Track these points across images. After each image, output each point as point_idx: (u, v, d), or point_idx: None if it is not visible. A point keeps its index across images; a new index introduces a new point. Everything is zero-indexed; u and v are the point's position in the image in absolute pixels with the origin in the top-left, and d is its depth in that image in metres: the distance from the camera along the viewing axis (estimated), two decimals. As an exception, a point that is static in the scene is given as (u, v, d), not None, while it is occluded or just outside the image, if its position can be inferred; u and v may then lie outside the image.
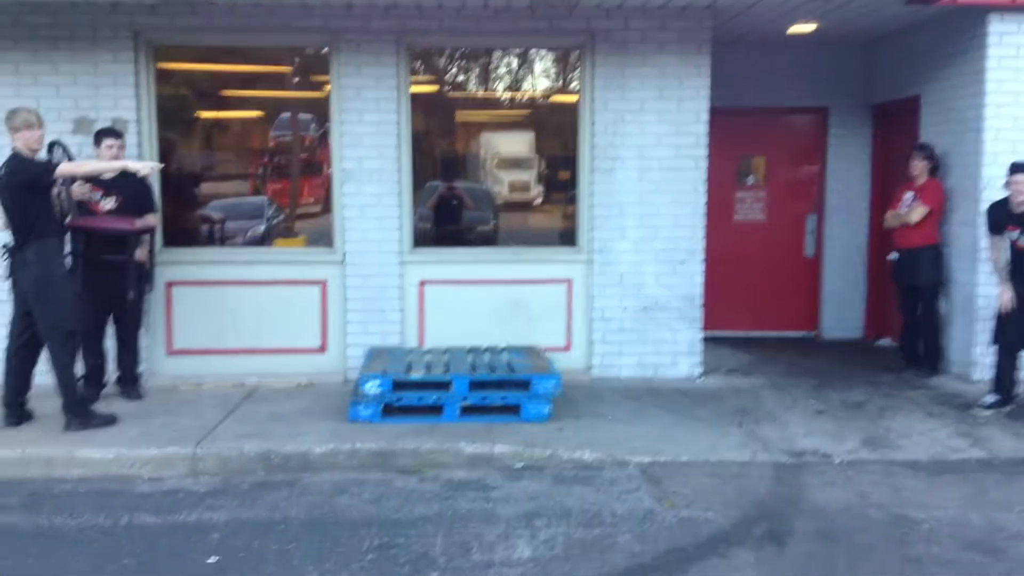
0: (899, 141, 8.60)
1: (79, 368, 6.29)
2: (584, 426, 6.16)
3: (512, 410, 6.18)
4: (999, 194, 6.70)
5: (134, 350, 6.85)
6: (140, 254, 6.66)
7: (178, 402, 6.72)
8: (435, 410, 6.13)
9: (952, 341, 7.60)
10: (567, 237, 7.67)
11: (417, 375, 6.18)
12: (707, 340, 8.68)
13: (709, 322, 9.12)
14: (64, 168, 5.73)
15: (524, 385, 6.19)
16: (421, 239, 7.79)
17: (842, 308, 9.44)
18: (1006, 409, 6.55)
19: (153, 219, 6.86)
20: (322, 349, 7.48)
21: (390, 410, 6.13)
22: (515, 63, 7.95)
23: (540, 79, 8.03)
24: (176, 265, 7.39)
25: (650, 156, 7.40)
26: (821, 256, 9.49)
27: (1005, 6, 6.97)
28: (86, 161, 6.34)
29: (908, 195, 7.67)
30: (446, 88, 8.07)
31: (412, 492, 5.13)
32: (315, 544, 4.37)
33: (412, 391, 6.16)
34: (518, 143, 9.83)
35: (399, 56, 7.23)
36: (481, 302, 7.53)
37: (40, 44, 7.00)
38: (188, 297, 7.40)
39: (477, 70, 8.04)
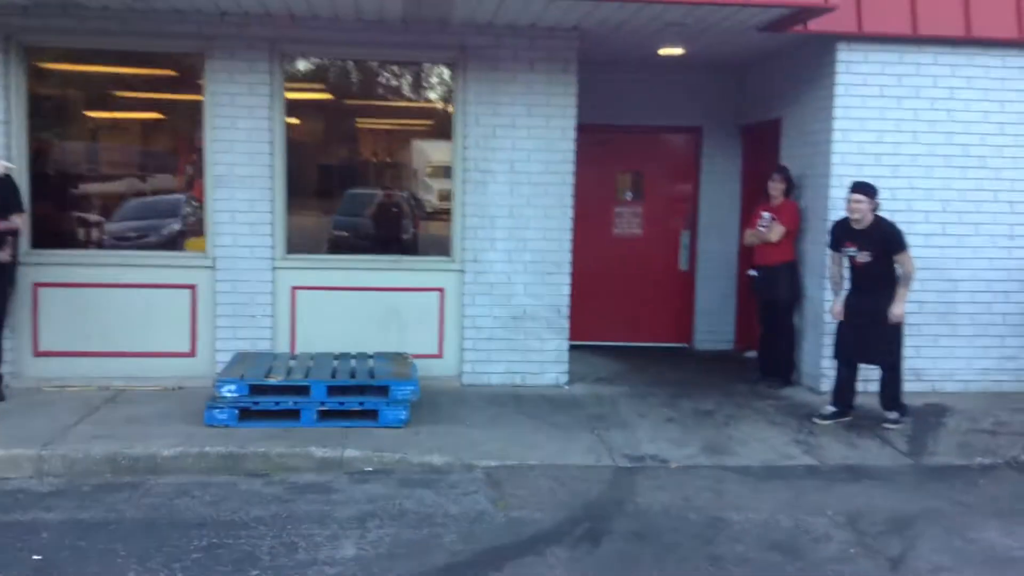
0: (766, 161, 8.99)
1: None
2: (441, 431, 6.33)
3: (370, 415, 6.32)
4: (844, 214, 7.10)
5: None
6: (5, 255, 6.61)
7: (38, 403, 6.70)
8: (292, 415, 6.23)
9: (804, 354, 8.00)
10: (442, 247, 7.84)
11: (275, 379, 6.27)
12: (583, 349, 9.05)
13: (587, 332, 9.49)
14: None
15: (383, 391, 6.34)
16: (343, 247, 7.96)
17: (713, 320, 9.81)
18: (845, 420, 6.93)
19: (18, 220, 6.81)
20: (192, 353, 7.51)
21: (248, 414, 6.21)
22: (402, 73, 8.11)
23: (427, 90, 8.21)
24: (45, 267, 7.35)
25: (521, 170, 7.63)
26: (694, 270, 9.85)
27: (852, 36, 7.39)
28: None
29: (766, 215, 8.05)
30: (333, 96, 8.18)
31: (254, 495, 5.23)
32: (143, 544, 4.44)
33: (270, 396, 6.25)
34: (445, 152, 9.95)
35: (272, 64, 7.32)
36: (355, 309, 7.66)
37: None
38: (56, 299, 7.37)
39: (363, 78, 8.18)
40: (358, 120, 8.51)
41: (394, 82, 8.25)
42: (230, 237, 7.42)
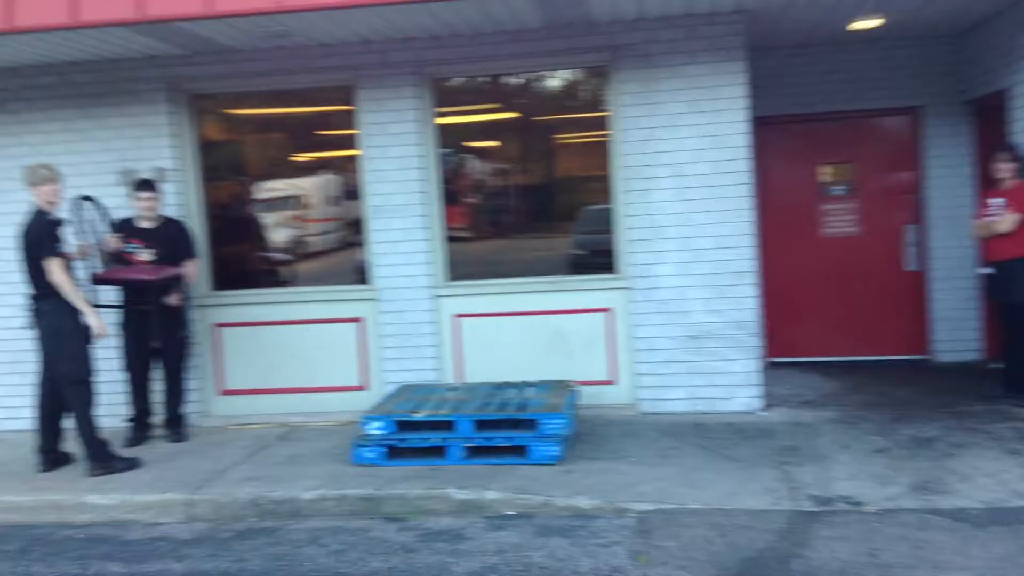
0: (1002, 139, 7.65)
1: (125, 411, 6.72)
2: (597, 468, 5.74)
3: (520, 451, 5.84)
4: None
5: (176, 392, 7.01)
6: (174, 299, 6.81)
7: (215, 443, 6.81)
8: (440, 452, 5.89)
9: (1054, 364, 6.62)
10: (606, 264, 7.24)
11: (421, 415, 5.96)
12: (794, 368, 8.13)
13: (798, 348, 8.54)
14: (53, 278, 5.88)
15: (531, 424, 5.85)
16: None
17: (954, 327, 8.46)
18: (1102, 444, 5.60)
19: (192, 266, 7.00)
20: (362, 387, 7.40)
21: (397, 452, 5.94)
22: (555, 82, 7.64)
23: (582, 98, 7.69)
24: (224, 307, 7.54)
25: (688, 173, 6.90)
26: (926, 270, 8.56)
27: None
28: (66, 284, 5.99)
29: (995, 201, 6.79)
30: (485, 114, 7.86)
31: (383, 542, 4.91)
32: (246, 600, 4.22)
33: (416, 432, 5.94)
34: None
35: (420, 88, 7.10)
36: (520, 335, 7.25)
37: (86, 100, 7.34)
38: (236, 338, 7.53)
39: (513, 93, 7.78)
40: (510, 137, 8.09)
41: (548, 93, 7.76)
42: (389, 268, 7.26)
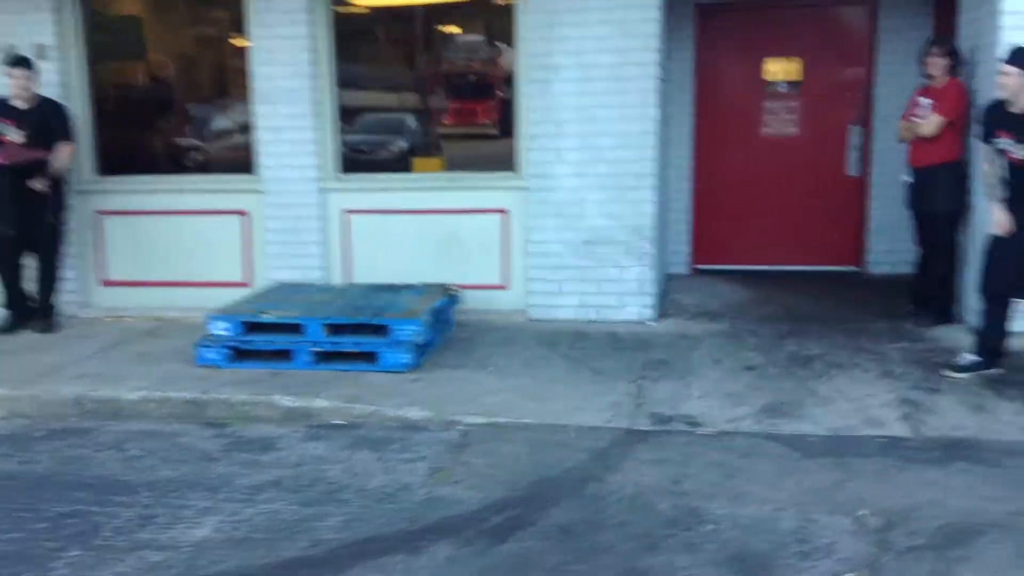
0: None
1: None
2: (449, 378, 5.41)
3: (372, 358, 5.50)
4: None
5: (46, 281, 6.72)
6: (39, 184, 6.45)
7: (79, 336, 6.56)
8: (287, 356, 5.57)
9: (967, 283, 6.10)
10: (507, 161, 6.75)
11: (270, 316, 5.62)
12: (725, 274, 7.88)
13: (727, 255, 8.08)
14: None
15: (382, 330, 5.49)
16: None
17: (892, 238, 7.90)
18: (990, 372, 5.14)
19: (65, 149, 6.61)
20: (247, 283, 7.06)
21: (245, 354, 5.63)
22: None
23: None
24: (107, 194, 7.19)
25: (591, 63, 6.33)
26: (868, 176, 7.98)
27: None
28: None
29: (924, 101, 6.17)
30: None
31: (187, 449, 4.64)
32: (3, 507, 3.97)
33: (265, 334, 5.62)
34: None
35: (305, -41, 6.53)
36: (413, 235, 6.85)
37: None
38: (118, 227, 7.21)
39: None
40: (412, 24, 7.48)
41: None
42: (275, 158, 6.82)
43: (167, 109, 7.59)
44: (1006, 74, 4.81)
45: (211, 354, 5.58)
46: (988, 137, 5.07)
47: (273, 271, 6.93)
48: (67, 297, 7.06)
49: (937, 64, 6.06)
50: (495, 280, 6.79)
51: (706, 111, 8.18)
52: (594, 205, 6.46)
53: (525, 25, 6.37)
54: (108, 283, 7.29)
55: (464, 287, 6.72)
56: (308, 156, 6.76)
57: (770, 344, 5.95)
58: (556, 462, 4.26)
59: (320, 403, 5.02)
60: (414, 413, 4.90)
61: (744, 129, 8.20)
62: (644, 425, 4.68)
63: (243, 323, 5.60)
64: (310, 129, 6.73)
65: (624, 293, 6.53)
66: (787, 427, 4.59)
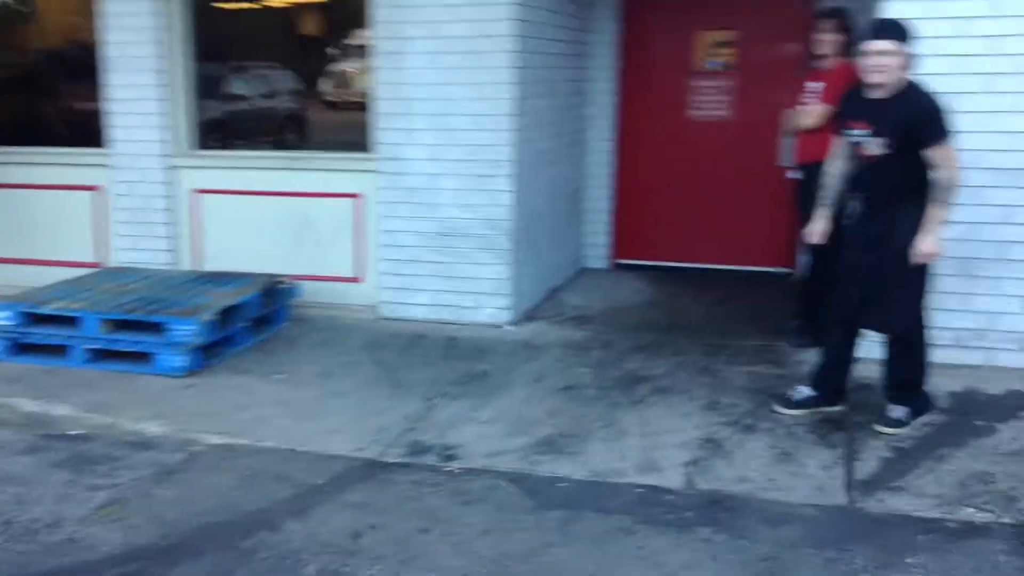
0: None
1: None
2: (223, 385, 4.89)
3: (148, 359, 5.01)
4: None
5: None
6: None
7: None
8: (63, 351, 5.12)
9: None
10: (360, 141, 6.14)
11: (51, 307, 5.17)
12: (641, 271, 7.30)
13: (654, 251, 7.38)
14: None
15: (158, 328, 4.98)
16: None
17: (830, 238, 7.02)
18: (826, 411, 4.37)
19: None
20: (99, 263, 6.65)
21: (26, 348, 5.20)
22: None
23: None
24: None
25: (444, 35, 5.65)
26: (806, 168, 7.08)
27: None
28: None
29: (814, 86, 5.32)
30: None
31: None
32: None
33: (46, 326, 5.18)
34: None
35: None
36: (267, 219, 6.32)
37: None
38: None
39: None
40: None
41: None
42: (124, 131, 6.36)
43: (29, 79, 7.16)
44: (884, 52, 3.92)
45: (-8, 345, 5.17)
46: (842, 128, 4.24)
47: (121, 252, 6.50)
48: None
49: (826, 42, 5.19)
50: (348, 272, 6.22)
51: (629, 90, 7.42)
52: (449, 193, 5.81)
53: (376, -10, 5.72)
54: (-33, 258, 6.98)
55: (316, 278, 6.19)
56: (155, 130, 6.27)
57: (614, 359, 5.25)
58: (252, 500, 3.70)
59: (61, 410, 4.56)
60: (153, 428, 4.39)
61: (671, 111, 7.41)
62: (393, 456, 4.08)
63: (25, 313, 5.16)
64: (156, 100, 6.22)
65: (480, 293, 5.88)
66: (547, 467, 3.93)
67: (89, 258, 6.62)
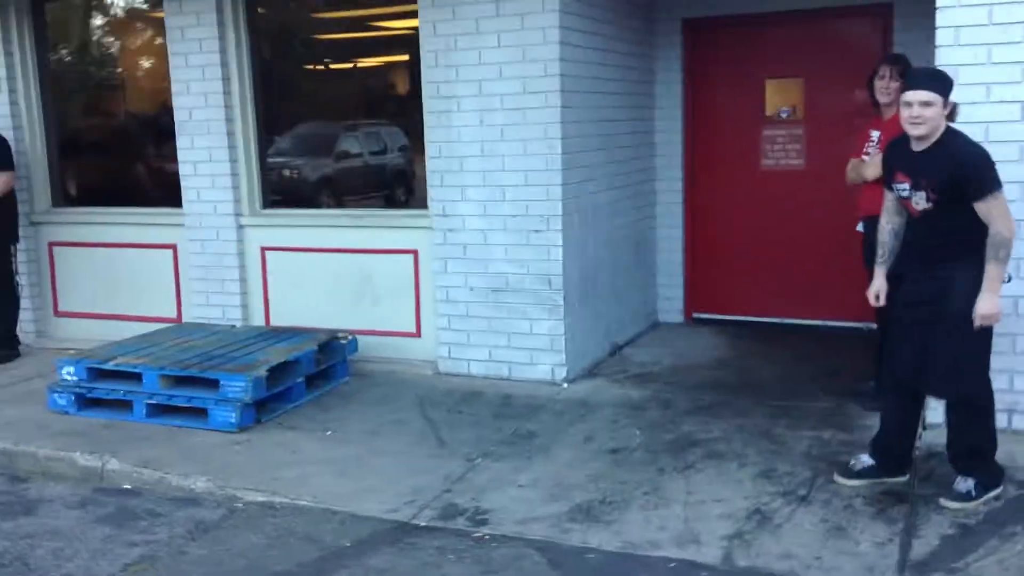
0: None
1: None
2: (272, 442, 4.97)
3: (204, 415, 5.14)
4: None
5: (4, 308, 6.79)
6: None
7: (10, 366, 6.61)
8: (126, 406, 5.29)
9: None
10: (416, 198, 6.21)
11: (113, 363, 5.36)
12: (719, 325, 7.16)
13: (730, 305, 7.21)
14: None
15: (214, 385, 5.10)
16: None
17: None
18: (885, 481, 4.11)
19: (4, 178, 6.69)
20: (179, 319, 6.89)
21: (92, 402, 5.40)
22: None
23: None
24: (57, 226, 7.23)
25: (490, 92, 5.70)
26: (884, 216, 6.80)
27: None
28: None
29: (875, 135, 5.13)
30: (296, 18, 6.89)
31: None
32: None
33: (110, 381, 5.37)
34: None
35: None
36: (328, 275, 6.44)
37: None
38: (72, 258, 7.24)
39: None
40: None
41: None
42: (195, 191, 6.61)
43: (120, 142, 7.53)
44: (928, 104, 3.74)
45: (61, 400, 5.40)
46: (889, 181, 4.05)
47: (195, 308, 6.71)
48: (26, 327, 7.15)
49: (889, 88, 4.99)
50: (409, 327, 6.26)
51: (697, 139, 7.30)
52: (500, 249, 5.81)
53: (427, 50, 5.81)
54: (61, 314, 7.32)
55: (378, 333, 6.26)
56: (224, 190, 6.49)
57: (670, 420, 5.10)
58: (278, 561, 3.72)
59: (114, 464, 4.70)
60: (200, 484, 4.47)
61: (742, 160, 7.24)
62: (424, 519, 4.04)
63: (89, 369, 5.37)
64: (226, 162, 6.45)
65: (535, 349, 5.82)
66: (579, 536, 3.82)
67: (170, 314, 6.87)
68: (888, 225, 4.10)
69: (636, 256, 6.98)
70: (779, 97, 7.11)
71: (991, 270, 3.66)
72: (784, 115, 7.10)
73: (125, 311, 7.02)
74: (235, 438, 4.99)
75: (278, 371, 5.24)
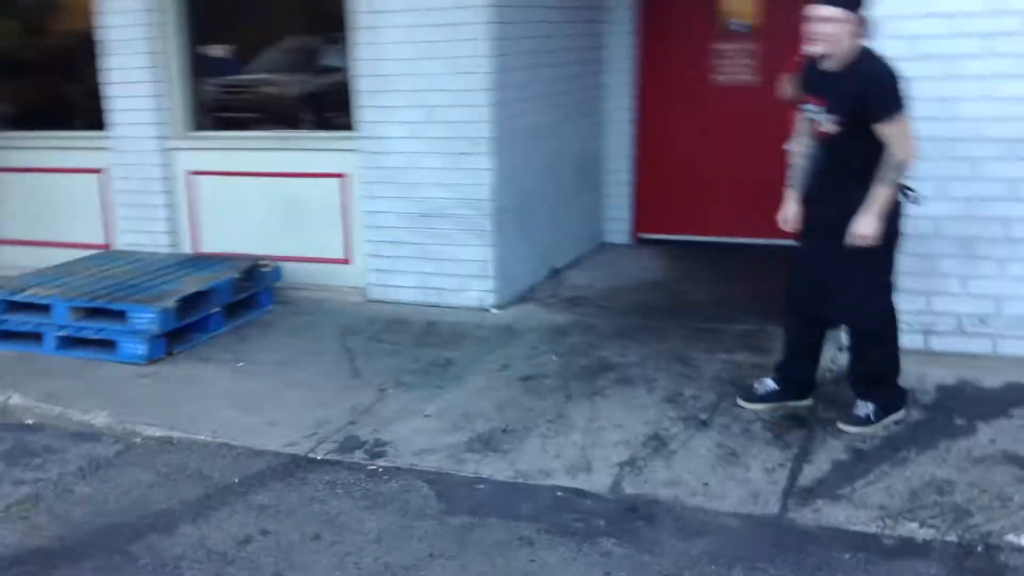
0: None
1: None
2: (182, 375, 4.85)
3: (113, 346, 5.01)
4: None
5: None
6: None
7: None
8: (38, 338, 5.16)
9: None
10: (344, 119, 5.97)
11: (25, 294, 5.21)
12: (671, 245, 7.00)
13: (679, 224, 7.06)
14: None
15: (121, 317, 4.96)
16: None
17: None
18: (789, 405, 4.01)
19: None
20: (107, 245, 6.71)
21: (4, 335, 5.27)
22: None
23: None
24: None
25: (420, 6, 5.41)
26: (836, 134, 6.58)
27: None
28: None
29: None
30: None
31: None
32: None
33: (25, 313, 5.23)
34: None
35: None
36: (258, 201, 6.24)
37: None
38: (2, 184, 6.99)
39: None
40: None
41: None
42: (121, 114, 6.37)
43: (51, 62, 7.23)
44: (829, 19, 3.51)
45: (-27, 332, 5.26)
46: (799, 103, 3.85)
47: (124, 235, 6.54)
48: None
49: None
50: (338, 253, 6.10)
51: (649, 57, 7.03)
52: (429, 172, 5.60)
53: (353, -44, 5.52)
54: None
55: (307, 260, 6.10)
56: (149, 112, 6.25)
57: (589, 345, 4.98)
58: (162, 499, 3.62)
59: (17, 399, 4.59)
60: (100, 419, 4.37)
61: (694, 78, 6.98)
62: (321, 452, 3.94)
63: (3, 301, 5.22)
64: (149, 83, 6.19)
65: (465, 275, 5.66)
66: (472, 466, 3.73)
67: (99, 240, 6.69)
68: (799, 147, 3.91)
69: (581, 178, 6.78)
70: (735, 9, 6.81)
71: (878, 191, 3.48)
72: (736, 28, 6.80)
73: (56, 238, 6.82)
74: (143, 370, 4.87)
75: (191, 301, 5.09)
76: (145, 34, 6.12)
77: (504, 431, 4.02)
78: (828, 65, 3.58)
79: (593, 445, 3.83)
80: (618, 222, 7.30)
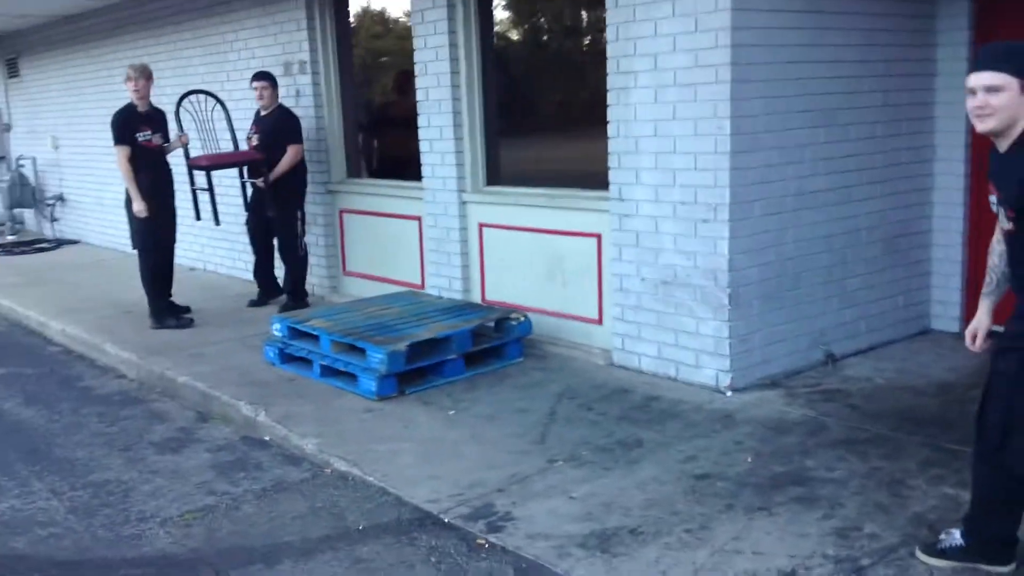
0: None
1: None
2: (397, 414, 5.20)
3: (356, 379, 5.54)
4: None
5: (288, 265, 7.76)
6: (260, 181, 7.58)
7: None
8: (310, 364, 5.88)
9: None
10: (599, 178, 5.93)
11: (306, 325, 5.97)
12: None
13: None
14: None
15: (363, 353, 5.47)
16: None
17: None
18: (986, 569, 3.22)
19: (289, 151, 7.53)
20: (421, 285, 7.41)
21: (290, 357, 6.09)
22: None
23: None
24: (344, 195, 8.11)
25: (664, 66, 5.27)
26: None
27: None
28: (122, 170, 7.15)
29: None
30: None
31: (99, 436, 5.31)
32: None
33: (303, 341, 5.99)
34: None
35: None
36: (530, 254, 6.49)
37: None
38: (355, 224, 8.05)
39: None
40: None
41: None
42: (430, 168, 7.03)
43: (397, 121, 8.14)
44: (995, 89, 2.85)
45: (271, 352, 6.13)
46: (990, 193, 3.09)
47: (431, 278, 7.16)
48: (323, 283, 8.20)
49: None
50: (592, 313, 6.09)
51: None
52: (670, 238, 5.38)
53: (610, 23, 5.53)
54: (348, 273, 8.23)
55: (565, 316, 6.21)
56: (451, 167, 6.80)
57: (799, 451, 4.42)
58: (294, 532, 3.96)
59: (263, 417, 5.27)
60: (309, 446, 4.87)
61: None
62: (452, 516, 3.98)
63: (290, 327, 6.03)
64: (451, 140, 6.75)
65: (700, 350, 5.34)
66: (569, 564, 3.52)
67: (416, 280, 7.40)
68: (998, 246, 3.13)
69: (887, 252, 5.99)
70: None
71: None
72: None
73: (387, 275, 7.67)
74: (371, 405, 5.30)
75: (425, 346, 5.42)
76: (450, 95, 6.65)
77: (632, 532, 3.73)
78: (1001, 145, 2.83)
79: (712, 569, 3.40)
80: (946, 306, 6.31)
